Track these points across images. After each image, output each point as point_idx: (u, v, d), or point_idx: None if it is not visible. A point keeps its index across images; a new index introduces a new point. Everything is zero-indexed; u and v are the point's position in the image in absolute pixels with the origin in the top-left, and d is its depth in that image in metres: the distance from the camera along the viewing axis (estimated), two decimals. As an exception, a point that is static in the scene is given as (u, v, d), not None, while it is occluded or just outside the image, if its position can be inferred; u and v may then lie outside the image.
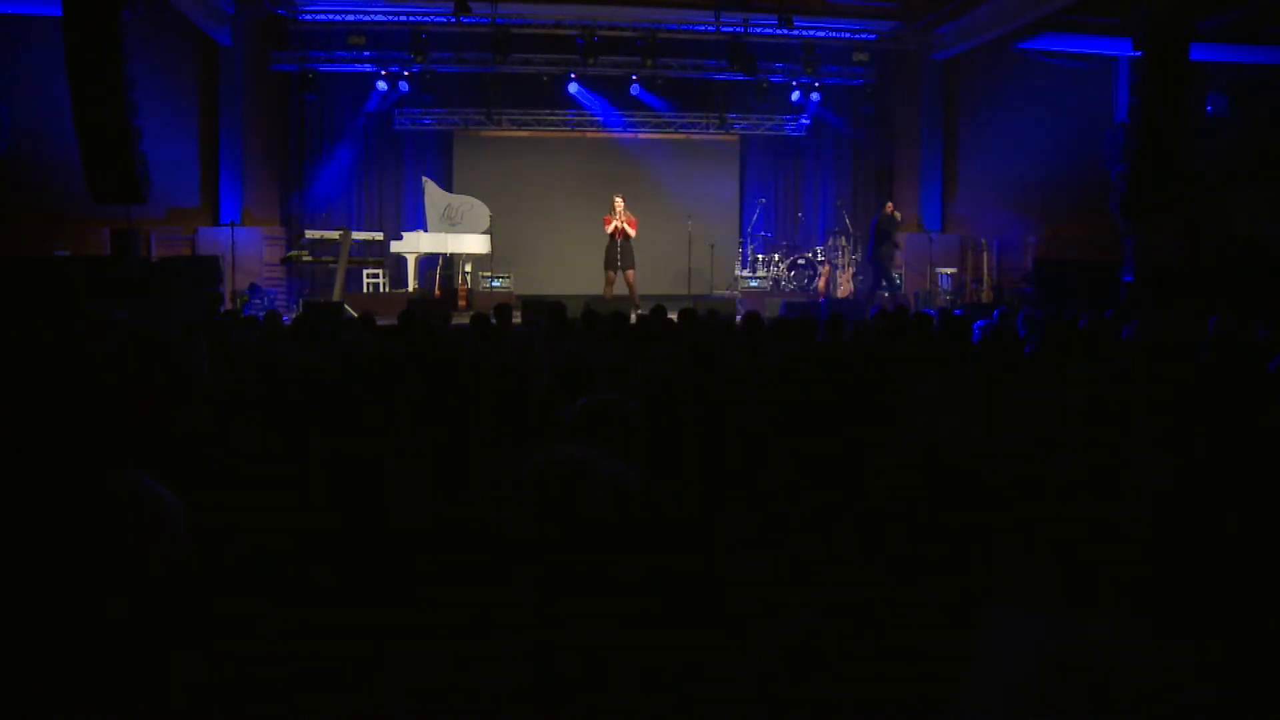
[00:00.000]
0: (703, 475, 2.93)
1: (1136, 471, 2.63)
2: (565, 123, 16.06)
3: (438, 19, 14.62)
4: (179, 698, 1.24)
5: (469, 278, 15.00)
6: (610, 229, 13.32)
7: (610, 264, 13.34)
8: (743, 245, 15.96)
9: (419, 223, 15.34)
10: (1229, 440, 2.43)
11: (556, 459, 1.44)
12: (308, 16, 14.90)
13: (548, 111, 15.86)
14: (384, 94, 15.35)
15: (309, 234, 14.07)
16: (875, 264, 13.84)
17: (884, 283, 13.84)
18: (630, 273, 13.34)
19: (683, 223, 15.10)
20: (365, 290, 14.39)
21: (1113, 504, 2.39)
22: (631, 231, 13.31)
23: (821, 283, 14.61)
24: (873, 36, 15.97)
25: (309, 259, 13.85)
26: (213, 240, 14.61)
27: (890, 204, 14.50)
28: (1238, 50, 15.16)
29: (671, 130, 16.24)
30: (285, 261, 14.33)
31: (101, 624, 1.41)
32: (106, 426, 3.30)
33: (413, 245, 14.27)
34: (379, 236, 14.86)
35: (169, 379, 4.38)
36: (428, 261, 14.69)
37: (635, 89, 15.62)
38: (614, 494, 1.41)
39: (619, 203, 13.42)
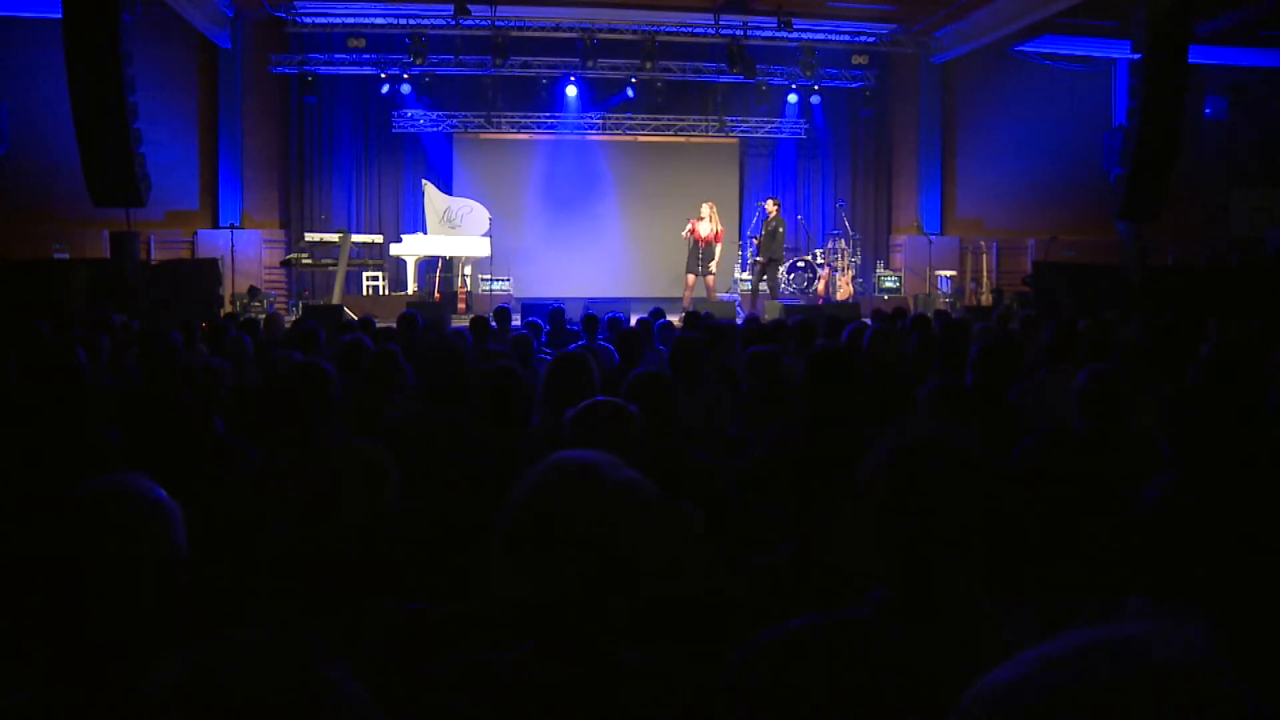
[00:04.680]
0: (702, 478, 2.92)
1: (1136, 473, 2.63)
2: (564, 125, 16.06)
3: (437, 21, 14.64)
4: (173, 702, 1.24)
5: (468, 280, 15.00)
6: (686, 233, 13.39)
7: (690, 268, 13.48)
8: (742, 248, 15.96)
9: (418, 225, 15.34)
10: (1230, 441, 2.43)
11: (565, 464, 1.43)
12: (307, 19, 14.91)
13: (547, 114, 15.87)
14: (383, 96, 15.36)
15: (308, 236, 14.07)
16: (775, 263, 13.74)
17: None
18: (710, 278, 13.50)
19: (682, 225, 15.09)
20: (365, 293, 14.38)
21: (1111, 505, 2.39)
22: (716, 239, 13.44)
23: (821, 285, 14.61)
24: (872, 39, 15.98)
25: (308, 262, 13.85)
26: (212, 243, 14.61)
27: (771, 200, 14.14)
28: (1237, 53, 15.18)
29: (671, 133, 16.24)
30: (285, 264, 14.32)
31: (96, 627, 1.40)
32: (105, 429, 3.29)
33: (412, 248, 14.27)
34: (378, 239, 14.86)
35: (168, 382, 4.38)
36: (427, 264, 14.69)
37: (634, 91, 15.64)
38: (628, 502, 1.40)
39: (706, 208, 13.42)
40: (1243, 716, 0.65)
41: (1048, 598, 2.00)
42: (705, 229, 13.33)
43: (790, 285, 14.67)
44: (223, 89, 15.18)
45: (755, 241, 13.80)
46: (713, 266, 13.48)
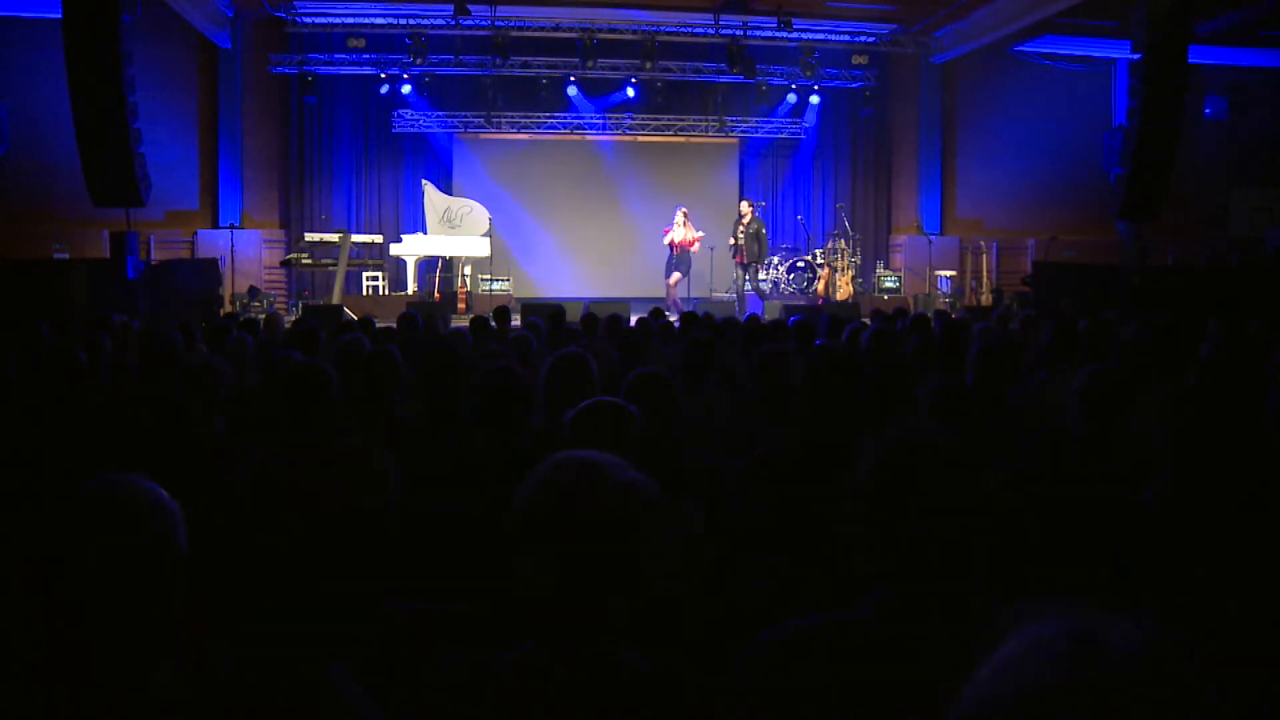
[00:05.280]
0: (702, 478, 2.92)
1: (1136, 473, 2.63)
2: (564, 125, 16.06)
3: (437, 21, 14.64)
4: (174, 702, 1.24)
5: (468, 280, 15.00)
6: (667, 240, 13.56)
7: (669, 272, 13.69)
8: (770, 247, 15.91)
9: (418, 225, 15.34)
10: (1230, 441, 2.42)
11: (569, 463, 1.43)
12: (307, 19, 14.91)
13: (547, 114, 15.87)
14: (383, 96, 15.36)
15: (308, 237, 14.07)
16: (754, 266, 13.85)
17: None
18: (675, 278, 13.65)
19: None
20: (365, 293, 14.38)
21: (1111, 505, 2.39)
22: (692, 246, 13.59)
23: (821, 285, 14.59)
24: (872, 39, 15.98)
25: (308, 262, 13.85)
26: (212, 243, 14.61)
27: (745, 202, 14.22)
28: (1236, 53, 15.17)
29: (671, 133, 16.24)
30: (284, 264, 14.33)
31: (96, 627, 1.40)
32: (106, 430, 3.29)
33: (412, 248, 14.27)
34: (378, 239, 14.86)
35: (168, 382, 4.38)
36: (427, 264, 14.70)
37: (634, 91, 15.63)
38: (631, 502, 1.39)
39: (683, 214, 13.58)
40: (1202, 698, 0.67)
41: (1047, 598, 2.00)
42: (680, 235, 13.44)
43: (790, 285, 14.66)
44: (223, 89, 15.18)
45: (736, 244, 13.75)
46: (679, 272, 13.58)
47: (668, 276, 13.66)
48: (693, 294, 14.92)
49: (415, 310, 7.75)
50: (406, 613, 1.71)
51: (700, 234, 13.75)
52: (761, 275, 14.92)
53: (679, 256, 13.57)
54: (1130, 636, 0.70)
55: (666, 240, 13.61)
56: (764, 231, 13.79)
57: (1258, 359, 4.78)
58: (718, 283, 15.59)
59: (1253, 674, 1.63)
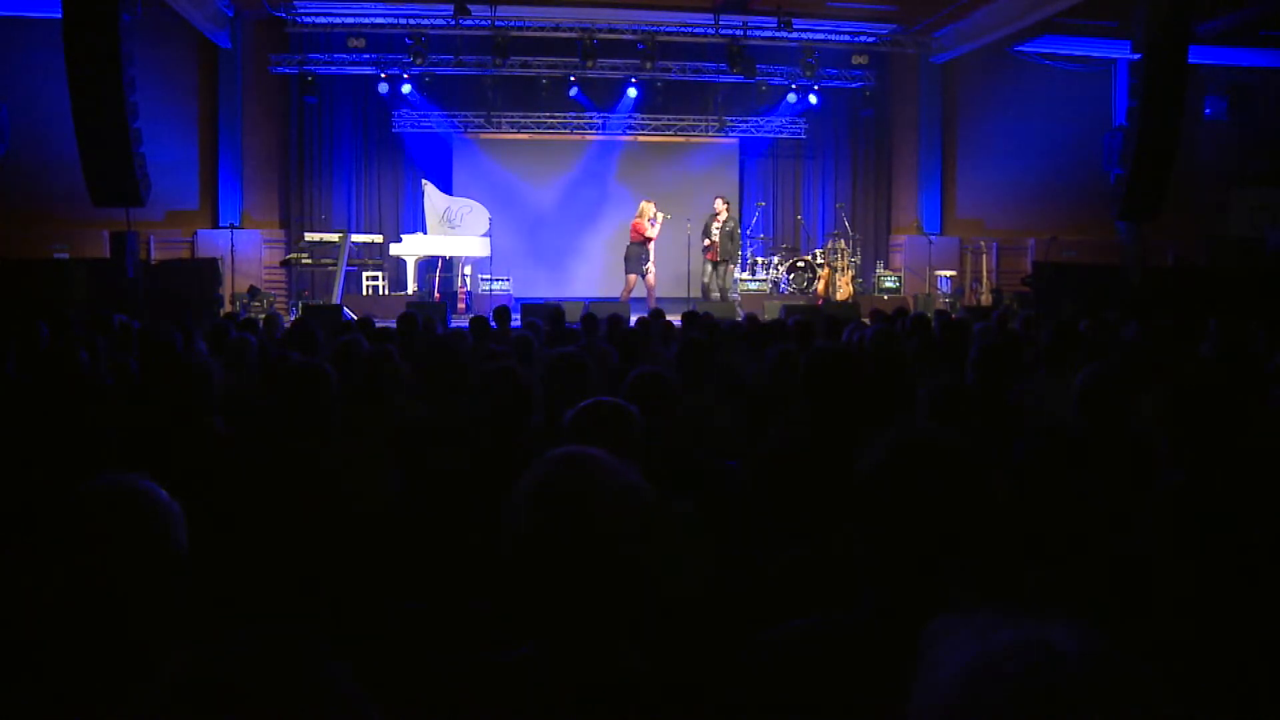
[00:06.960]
0: (702, 478, 2.92)
1: (1136, 473, 2.63)
2: (564, 125, 16.06)
3: (437, 21, 14.64)
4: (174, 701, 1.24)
5: (468, 280, 15.00)
6: (646, 234, 13.34)
7: (633, 268, 13.41)
8: (741, 248, 15.93)
9: (418, 225, 15.34)
10: (1230, 442, 2.43)
11: (565, 461, 1.42)
12: (307, 19, 14.91)
13: (547, 114, 15.88)
14: (384, 96, 15.36)
15: (308, 236, 14.06)
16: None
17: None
18: (651, 277, 13.46)
19: (682, 225, 15.08)
20: (365, 293, 14.38)
21: (1111, 506, 2.39)
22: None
23: (821, 285, 14.59)
24: (872, 39, 15.98)
25: (308, 261, 13.84)
26: (212, 243, 14.61)
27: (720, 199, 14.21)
28: (1236, 53, 15.17)
29: (670, 133, 16.24)
30: (284, 264, 14.32)
31: (96, 627, 1.40)
32: (106, 430, 3.29)
33: (412, 248, 14.27)
34: (378, 239, 14.86)
35: (168, 381, 4.37)
36: (427, 264, 14.69)
37: (634, 91, 15.63)
38: (628, 501, 1.39)
39: (651, 207, 13.41)
40: (1152, 694, 0.68)
41: (1047, 598, 2.00)
42: (650, 230, 13.30)
43: (790, 285, 14.66)
44: (223, 89, 15.18)
45: (710, 243, 13.72)
46: (650, 266, 13.47)
47: (641, 274, 13.31)
48: (691, 294, 14.92)
49: (415, 310, 7.75)
50: (406, 613, 1.71)
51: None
52: (761, 275, 14.93)
53: (647, 252, 13.38)
54: (1071, 638, 0.71)
55: (650, 234, 13.33)
56: (738, 231, 13.82)
57: (1258, 359, 4.78)
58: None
59: (1238, 674, 1.63)
